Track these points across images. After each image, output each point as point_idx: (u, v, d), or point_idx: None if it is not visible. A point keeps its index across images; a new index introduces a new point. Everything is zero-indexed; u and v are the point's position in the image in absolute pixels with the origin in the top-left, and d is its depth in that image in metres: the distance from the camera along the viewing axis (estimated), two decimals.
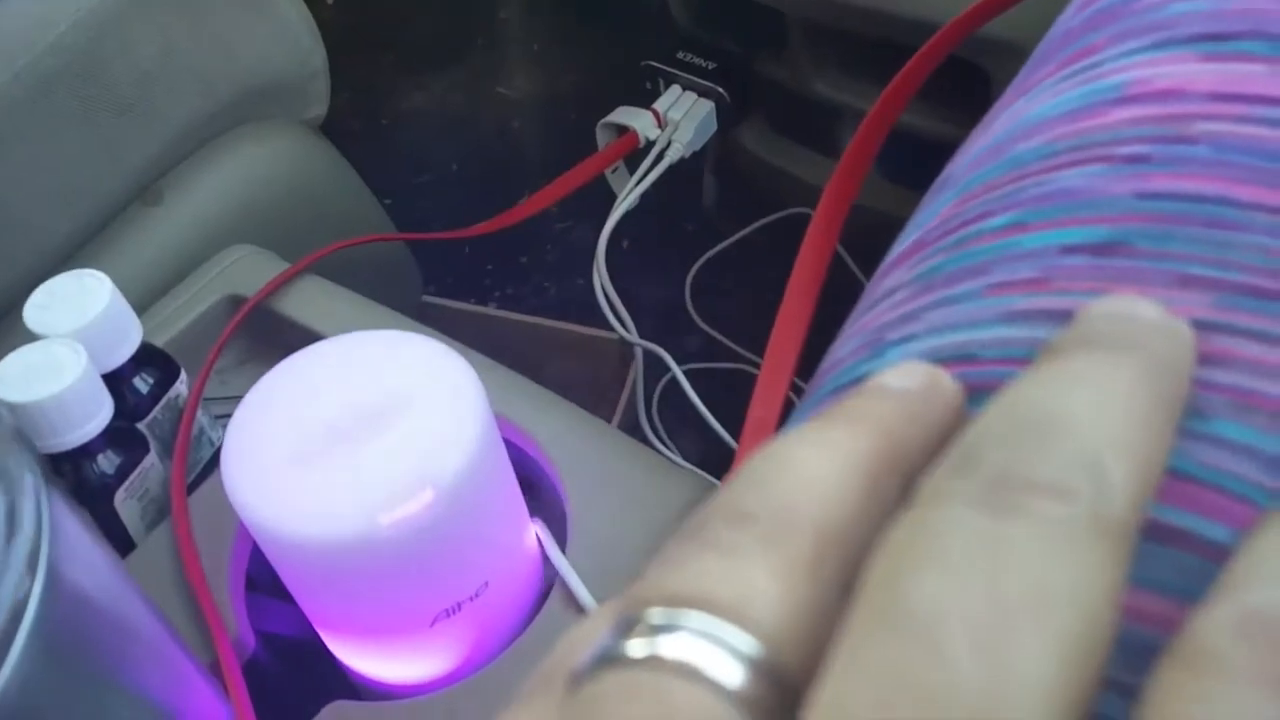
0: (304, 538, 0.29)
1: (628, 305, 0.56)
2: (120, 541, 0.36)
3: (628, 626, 0.12)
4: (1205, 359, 0.15)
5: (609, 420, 0.63)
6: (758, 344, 0.78)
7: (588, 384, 0.69)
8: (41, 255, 0.42)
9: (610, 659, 0.12)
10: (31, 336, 0.35)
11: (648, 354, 0.57)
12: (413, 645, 0.33)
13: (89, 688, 0.21)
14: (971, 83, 0.53)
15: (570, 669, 0.12)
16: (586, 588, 0.33)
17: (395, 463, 0.29)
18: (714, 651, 0.11)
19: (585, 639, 0.13)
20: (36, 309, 0.35)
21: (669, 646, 0.11)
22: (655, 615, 0.12)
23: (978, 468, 0.12)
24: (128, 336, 0.36)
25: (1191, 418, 0.14)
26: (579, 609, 0.33)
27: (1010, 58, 0.50)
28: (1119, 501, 0.11)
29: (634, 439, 0.39)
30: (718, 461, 0.59)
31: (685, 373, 0.55)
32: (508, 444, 0.34)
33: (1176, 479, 0.14)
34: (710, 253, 0.82)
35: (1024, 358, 0.16)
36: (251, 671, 0.34)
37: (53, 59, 0.41)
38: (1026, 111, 0.21)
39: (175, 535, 0.35)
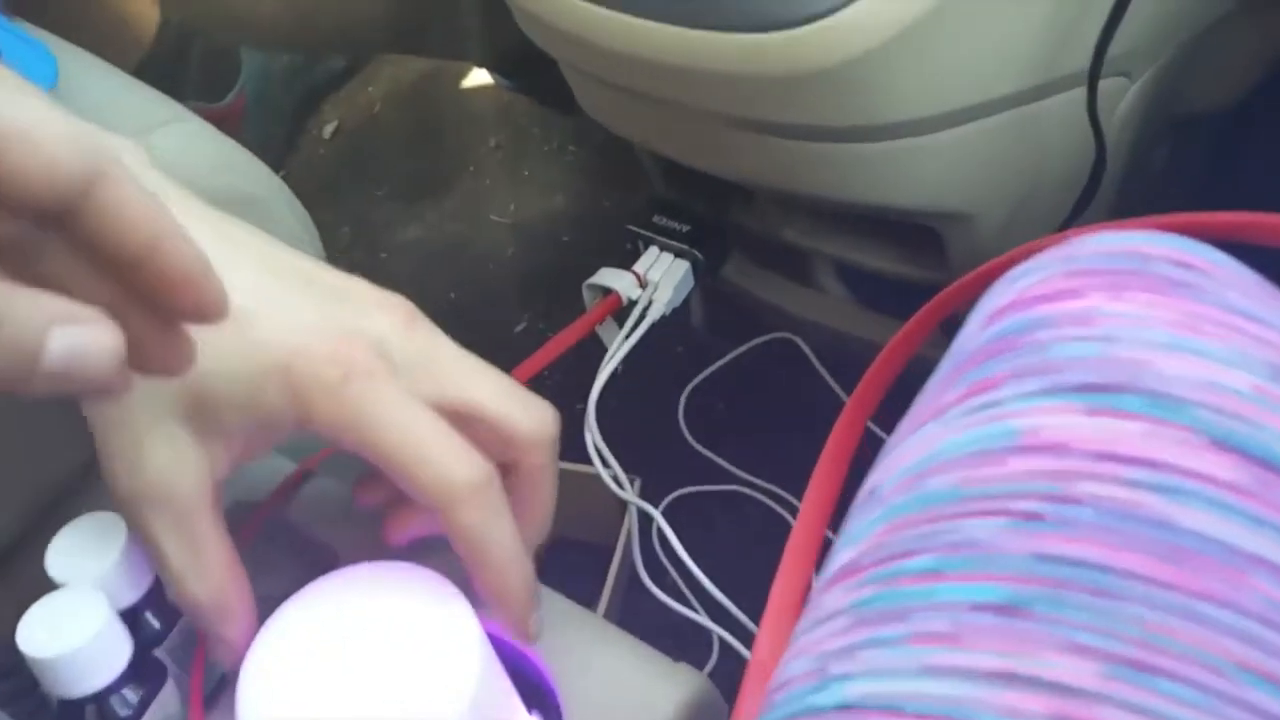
0: None
1: (619, 429, 0.58)
2: None
3: None
4: None
5: (606, 567, 0.65)
6: (752, 465, 0.80)
7: (583, 522, 0.71)
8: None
9: None
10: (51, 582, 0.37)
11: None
12: None
13: None
14: (925, 236, 0.56)
15: None
16: None
17: (394, 709, 0.31)
18: None
19: None
20: (58, 555, 0.37)
21: None
22: None
23: None
24: (145, 572, 0.38)
25: None
26: None
27: (959, 221, 0.53)
28: None
29: (628, 634, 0.41)
30: (712, 603, 0.61)
31: (680, 498, 0.56)
32: (502, 644, 0.36)
33: None
34: (701, 375, 0.85)
35: (940, 715, 0.19)
36: None
37: None
38: (940, 441, 0.23)
39: None
